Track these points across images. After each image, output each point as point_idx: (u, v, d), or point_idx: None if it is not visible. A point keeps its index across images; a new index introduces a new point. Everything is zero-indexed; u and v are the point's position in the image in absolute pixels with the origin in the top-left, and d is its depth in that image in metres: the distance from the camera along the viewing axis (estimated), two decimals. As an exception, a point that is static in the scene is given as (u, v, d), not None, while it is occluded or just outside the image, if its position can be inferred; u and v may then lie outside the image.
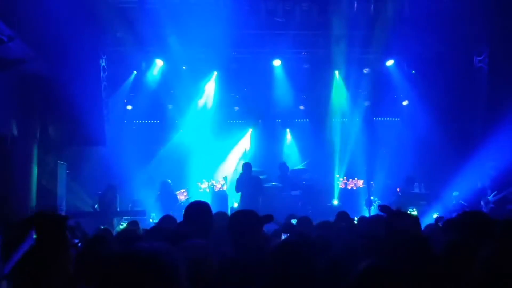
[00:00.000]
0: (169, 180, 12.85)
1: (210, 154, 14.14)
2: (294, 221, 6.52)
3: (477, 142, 12.05)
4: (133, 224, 7.22)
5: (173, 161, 14.66)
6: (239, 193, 11.81)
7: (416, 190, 12.96)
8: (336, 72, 14.44)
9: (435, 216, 11.38)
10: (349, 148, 14.94)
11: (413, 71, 13.98)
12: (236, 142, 15.28)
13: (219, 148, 14.35)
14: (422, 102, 13.72)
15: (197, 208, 4.41)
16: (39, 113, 10.53)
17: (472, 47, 12.48)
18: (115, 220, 11.54)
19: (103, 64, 12.21)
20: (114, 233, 7.68)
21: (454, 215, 9.56)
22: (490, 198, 11.10)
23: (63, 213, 10.50)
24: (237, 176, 12.29)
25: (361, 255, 3.44)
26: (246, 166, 12.11)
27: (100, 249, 3.58)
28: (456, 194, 11.90)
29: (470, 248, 2.93)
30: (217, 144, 14.32)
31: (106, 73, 12.32)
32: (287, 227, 5.63)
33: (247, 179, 11.80)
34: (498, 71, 11.71)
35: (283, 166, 13.64)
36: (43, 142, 10.61)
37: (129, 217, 11.36)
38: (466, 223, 3.95)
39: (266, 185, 13.00)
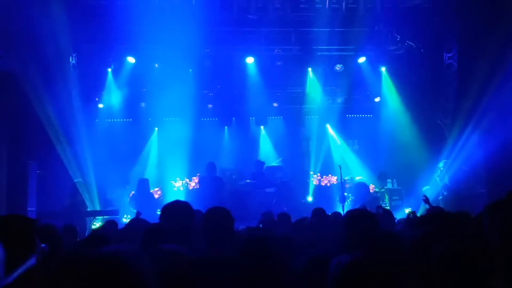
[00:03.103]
0: (147, 179, 12.73)
1: (184, 152, 14.04)
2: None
3: (447, 137, 12.26)
4: (111, 224, 7.10)
5: (147, 159, 14.55)
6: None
7: (389, 186, 13.13)
8: (309, 69, 14.50)
9: (407, 211, 11.57)
10: (323, 144, 15.04)
11: (384, 68, 14.13)
12: (210, 140, 15.21)
13: (193, 146, 14.25)
14: (394, 98, 13.91)
15: (177, 208, 4.35)
16: (8, 112, 10.32)
17: (442, 43, 12.65)
18: (87, 220, 11.37)
19: (73, 61, 12.01)
20: (87, 232, 7.60)
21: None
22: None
23: (33, 214, 10.34)
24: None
25: (336, 251, 3.47)
26: (210, 166, 12.02)
27: (68, 250, 3.52)
28: (426, 189, 12.08)
29: (431, 243, 2.97)
30: (191, 142, 14.21)
31: (76, 71, 12.12)
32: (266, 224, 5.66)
33: (210, 179, 11.70)
34: (467, 67, 11.89)
35: (259, 163, 13.65)
36: (13, 141, 10.40)
37: (101, 217, 11.22)
38: (433, 218, 4.01)
39: (241, 182, 13.00)
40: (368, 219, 3.84)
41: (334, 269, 2.46)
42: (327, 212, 7.12)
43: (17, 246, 2.39)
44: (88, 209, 11.73)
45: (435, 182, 11.93)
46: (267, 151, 15.49)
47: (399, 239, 3.31)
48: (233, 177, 13.39)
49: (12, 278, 2.27)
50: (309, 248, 3.94)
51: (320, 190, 13.84)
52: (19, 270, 2.30)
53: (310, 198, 13.68)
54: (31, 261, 2.33)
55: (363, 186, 12.82)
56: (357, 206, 10.48)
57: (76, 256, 2.60)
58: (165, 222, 4.19)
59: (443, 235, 3.15)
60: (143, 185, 12.35)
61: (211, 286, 3.24)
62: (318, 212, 6.52)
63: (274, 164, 14.46)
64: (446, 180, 11.65)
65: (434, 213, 4.22)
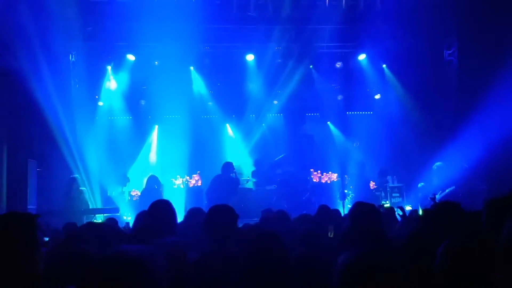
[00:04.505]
0: (156, 176, 12.68)
1: (184, 150, 14.01)
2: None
3: (447, 134, 12.25)
4: (111, 222, 7.09)
5: (147, 157, 14.54)
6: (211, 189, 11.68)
7: (389, 183, 13.11)
8: (311, 67, 14.47)
9: (408, 208, 11.55)
10: (323, 142, 15.02)
11: (384, 65, 14.11)
12: (209, 137, 15.18)
13: (193, 144, 14.21)
14: (394, 95, 13.90)
15: (162, 207, 4.43)
16: (8, 110, 10.31)
17: (442, 40, 12.65)
18: (84, 218, 11.32)
19: (73, 59, 11.99)
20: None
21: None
22: (437, 196, 11.23)
23: (34, 212, 10.31)
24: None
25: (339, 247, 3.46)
26: (226, 166, 11.91)
27: (78, 247, 3.51)
28: (421, 185, 12.07)
29: (431, 240, 2.96)
30: (191, 139, 14.18)
31: (76, 69, 12.11)
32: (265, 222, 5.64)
33: (224, 179, 11.59)
34: (467, 64, 11.90)
35: (259, 161, 13.61)
36: (13, 139, 10.39)
37: (101, 215, 11.19)
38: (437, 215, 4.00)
39: (241, 180, 12.98)
40: (372, 215, 3.83)
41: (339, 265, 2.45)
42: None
43: (20, 241, 2.38)
44: (88, 207, 11.71)
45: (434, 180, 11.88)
46: (268, 148, 15.45)
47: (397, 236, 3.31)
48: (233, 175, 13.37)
49: None
50: (307, 245, 3.95)
51: (321, 188, 13.83)
52: None
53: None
54: None
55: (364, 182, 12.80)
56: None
57: (87, 255, 2.60)
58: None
59: (442, 233, 3.14)
60: (152, 182, 12.29)
61: (215, 282, 3.24)
62: (323, 210, 6.53)
63: (276, 160, 14.41)
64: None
65: (434, 210, 4.19)
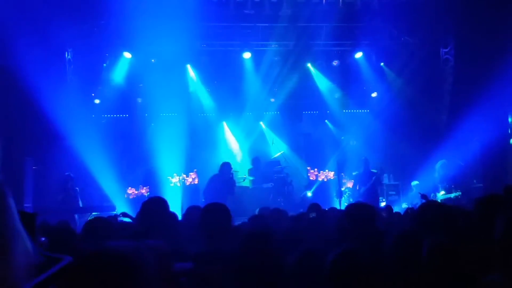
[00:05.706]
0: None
1: (181, 148, 13.98)
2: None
3: (443, 132, 12.28)
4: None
5: (143, 155, 14.51)
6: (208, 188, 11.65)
7: (386, 181, 13.13)
8: (309, 65, 14.46)
9: (404, 206, 11.58)
10: (321, 140, 15.03)
11: (382, 63, 14.12)
12: (206, 135, 15.16)
13: (189, 142, 14.19)
14: (391, 93, 13.92)
15: (154, 205, 4.35)
16: (4, 107, 10.28)
17: (439, 39, 12.66)
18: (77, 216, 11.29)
19: (69, 57, 11.95)
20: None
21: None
22: (439, 196, 11.22)
23: (30, 210, 10.28)
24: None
25: (331, 245, 3.47)
26: (225, 166, 11.86)
27: (66, 244, 3.51)
28: (415, 184, 12.09)
29: (418, 239, 2.97)
30: (188, 137, 14.15)
31: (72, 66, 12.07)
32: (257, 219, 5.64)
33: (222, 180, 11.55)
34: (464, 63, 11.92)
35: (256, 160, 13.62)
36: (9, 137, 10.36)
37: (97, 213, 11.16)
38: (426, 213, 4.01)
39: (238, 178, 12.99)
40: (367, 213, 3.84)
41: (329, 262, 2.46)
42: (324, 207, 7.14)
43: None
44: (85, 205, 11.69)
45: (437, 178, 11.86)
46: (265, 146, 15.44)
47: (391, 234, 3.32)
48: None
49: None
50: (303, 243, 3.95)
51: (318, 185, 13.85)
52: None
53: (309, 194, 13.61)
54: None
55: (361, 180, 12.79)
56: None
57: (78, 252, 2.59)
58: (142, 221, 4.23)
59: (433, 230, 3.15)
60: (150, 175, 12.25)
61: (209, 281, 3.24)
62: (313, 208, 6.55)
63: (272, 158, 14.41)
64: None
65: (428, 207, 4.20)
